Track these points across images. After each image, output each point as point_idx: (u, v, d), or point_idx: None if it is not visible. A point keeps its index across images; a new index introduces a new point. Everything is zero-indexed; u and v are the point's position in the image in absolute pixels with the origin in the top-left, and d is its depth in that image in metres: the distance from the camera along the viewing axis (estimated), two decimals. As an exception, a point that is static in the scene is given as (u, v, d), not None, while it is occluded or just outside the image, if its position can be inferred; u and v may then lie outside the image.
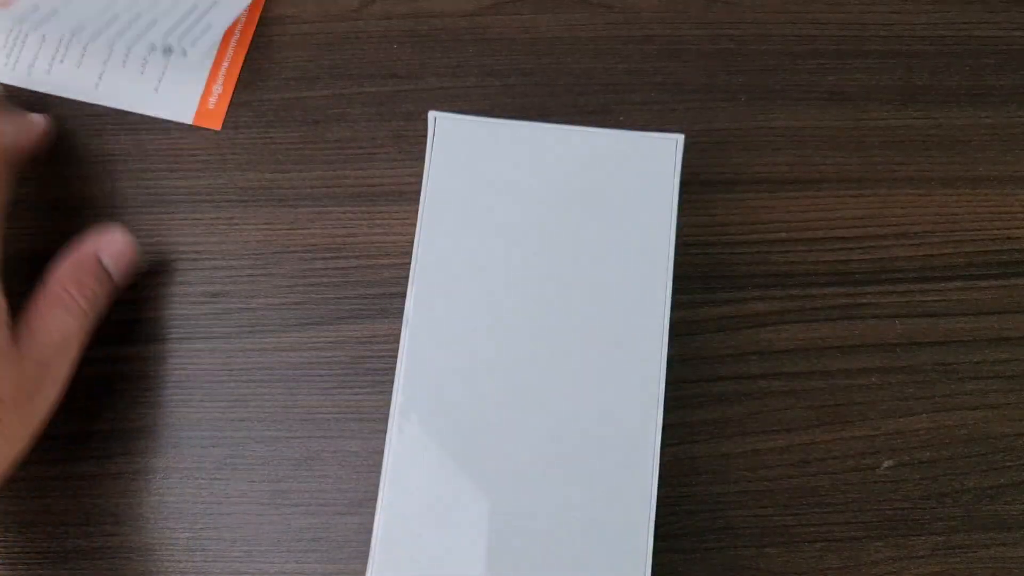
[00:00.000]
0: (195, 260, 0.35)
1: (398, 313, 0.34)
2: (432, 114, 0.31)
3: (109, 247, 0.33)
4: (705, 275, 0.35)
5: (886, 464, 0.34)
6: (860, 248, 0.36)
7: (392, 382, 0.34)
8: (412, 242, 0.36)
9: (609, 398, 0.29)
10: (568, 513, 0.28)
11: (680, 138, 0.31)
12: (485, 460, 0.28)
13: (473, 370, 0.29)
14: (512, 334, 0.29)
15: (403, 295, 0.35)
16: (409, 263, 0.35)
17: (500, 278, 0.29)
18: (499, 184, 0.30)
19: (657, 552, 0.32)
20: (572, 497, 0.28)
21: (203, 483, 0.33)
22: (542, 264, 0.30)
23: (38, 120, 0.35)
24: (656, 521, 0.33)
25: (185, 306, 0.35)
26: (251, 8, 0.38)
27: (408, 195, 0.36)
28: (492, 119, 0.31)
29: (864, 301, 0.35)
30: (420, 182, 0.36)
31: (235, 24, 0.37)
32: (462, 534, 0.28)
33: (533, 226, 0.30)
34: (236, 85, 0.37)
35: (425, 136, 0.37)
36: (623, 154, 0.31)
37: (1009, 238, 0.36)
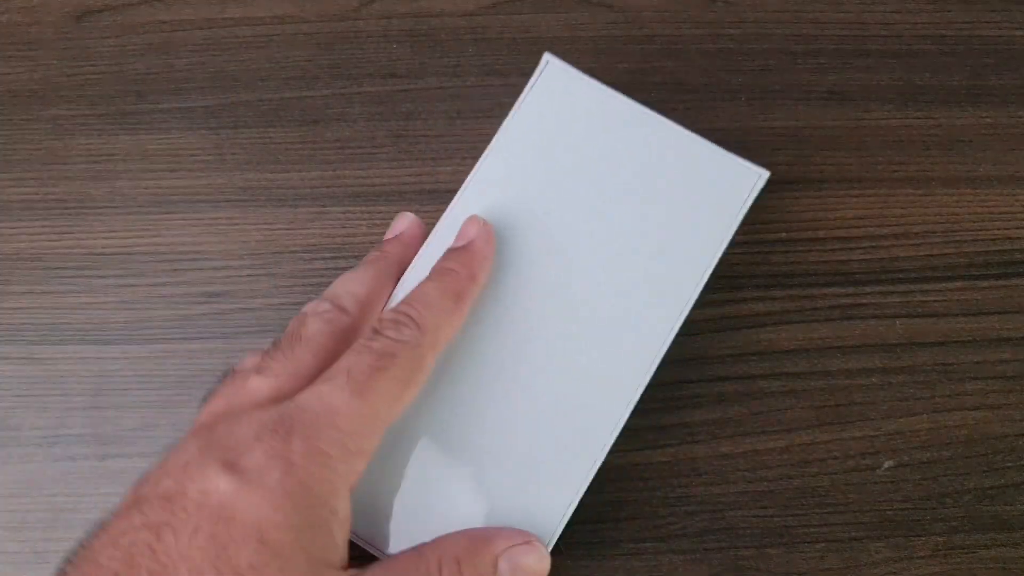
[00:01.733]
0: (195, 260, 0.35)
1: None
2: (547, 56, 0.31)
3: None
4: (705, 275, 0.35)
5: (886, 464, 0.33)
6: (860, 248, 0.36)
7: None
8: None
9: (606, 356, 0.29)
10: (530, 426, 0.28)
11: (765, 174, 0.31)
12: (471, 375, 0.29)
13: (486, 296, 0.29)
14: (533, 277, 0.30)
15: (403, 295, 0.35)
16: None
17: (542, 226, 0.30)
18: (579, 146, 0.31)
19: (657, 552, 0.32)
20: (538, 411, 0.28)
21: (203, 483, 0.33)
22: (583, 232, 0.30)
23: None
24: (656, 522, 0.33)
25: (184, 306, 0.35)
26: None
27: (408, 195, 0.36)
28: (601, 84, 0.31)
29: (864, 301, 0.35)
30: (420, 181, 0.36)
31: None
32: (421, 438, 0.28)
33: (591, 198, 0.30)
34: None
35: (424, 136, 0.37)
36: (705, 166, 0.31)
37: (1010, 238, 0.36)
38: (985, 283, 0.35)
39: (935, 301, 0.35)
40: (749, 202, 0.30)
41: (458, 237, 0.29)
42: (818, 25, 0.38)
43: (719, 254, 0.30)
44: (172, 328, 0.35)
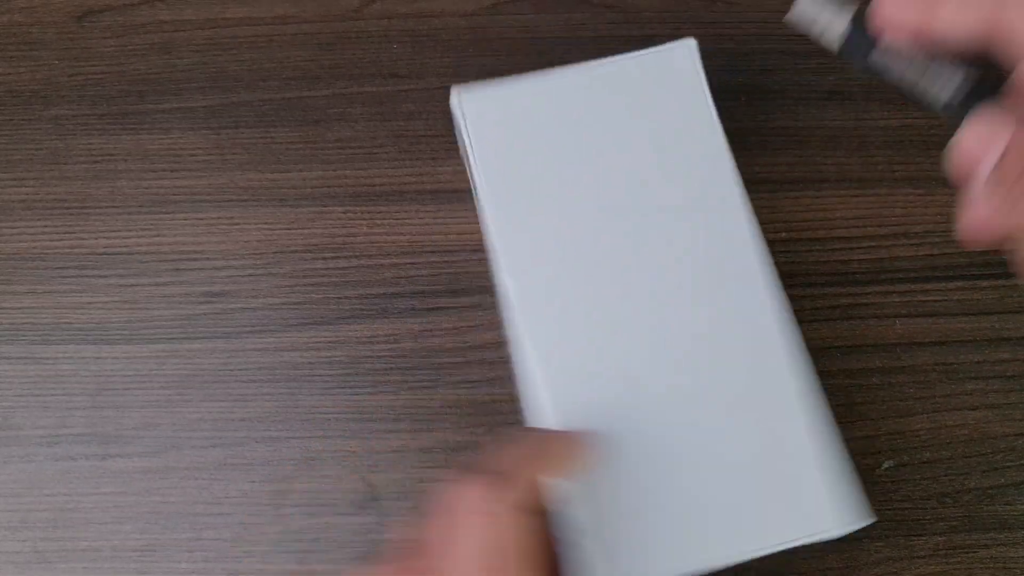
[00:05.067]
0: (195, 260, 0.35)
1: (398, 313, 0.35)
2: (455, 90, 0.30)
3: None
4: (705, 275, 0.35)
5: (886, 464, 0.33)
6: (861, 248, 0.36)
7: (393, 381, 0.34)
8: (411, 242, 0.36)
9: (727, 320, 0.29)
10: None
11: (692, 42, 0.31)
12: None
13: (594, 329, 0.29)
14: (614, 283, 0.29)
15: (403, 295, 0.35)
16: (408, 262, 0.35)
17: (580, 231, 0.29)
18: (545, 140, 0.30)
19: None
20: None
21: (203, 483, 0.33)
22: (614, 204, 0.29)
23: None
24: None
25: (185, 306, 0.35)
26: None
27: (409, 195, 0.36)
28: (512, 80, 0.31)
29: (865, 301, 0.35)
30: (421, 181, 0.36)
31: None
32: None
33: (591, 170, 0.30)
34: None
35: (425, 136, 0.37)
36: (646, 76, 0.31)
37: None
38: (985, 283, 0.35)
39: (935, 301, 0.35)
40: (701, 72, 0.31)
41: None
42: (818, 25, 0.38)
43: (723, 136, 0.30)
44: (173, 328, 0.35)
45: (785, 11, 0.39)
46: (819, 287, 0.35)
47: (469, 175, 0.34)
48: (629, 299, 0.29)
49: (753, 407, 0.28)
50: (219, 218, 0.36)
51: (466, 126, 0.30)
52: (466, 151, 0.31)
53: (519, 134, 0.30)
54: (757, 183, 0.36)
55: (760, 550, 0.27)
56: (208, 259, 0.35)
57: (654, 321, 0.29)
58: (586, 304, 0.29)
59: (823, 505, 0.27)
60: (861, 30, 0.24)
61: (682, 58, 0.31)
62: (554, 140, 0.30)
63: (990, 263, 0.36)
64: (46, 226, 0.36)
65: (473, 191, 0.34)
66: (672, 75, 0.31)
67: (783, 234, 0.36)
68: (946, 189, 0.36)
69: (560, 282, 0.29)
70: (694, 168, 0.30)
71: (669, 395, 0.28)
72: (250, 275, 0.35)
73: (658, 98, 0.30)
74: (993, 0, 0.22)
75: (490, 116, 0.30)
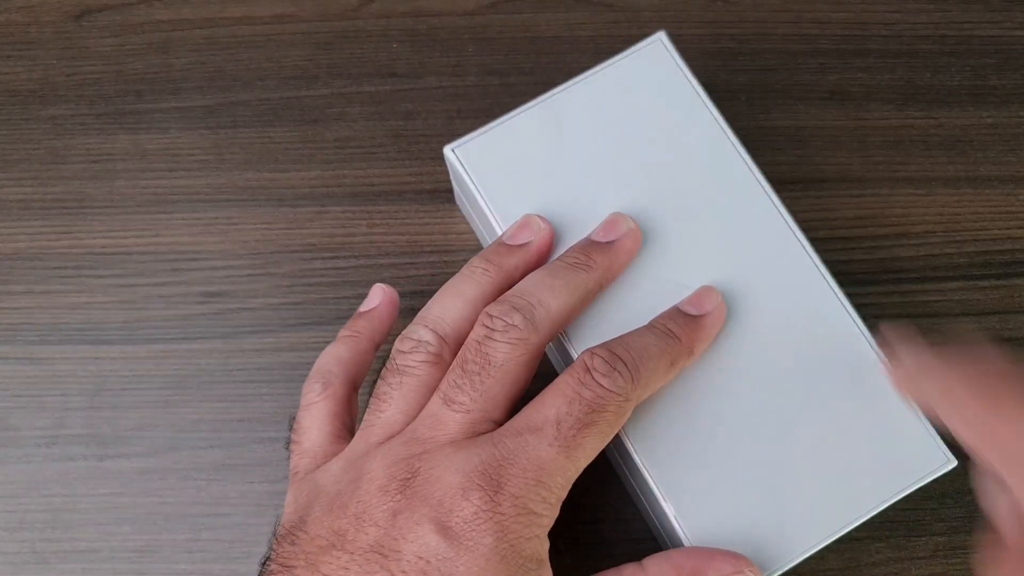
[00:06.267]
0: (194, 260, 0.35)
1: (398, 313, 0.34)
2: (448, 148, 0.30)
3: None
4: (705, 275, 0.35)
5: (887, 465, 0.33)
6: (861, 248, 0.35)
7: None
8: (410, 242, 0.36)
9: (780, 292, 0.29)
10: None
11: (662, 34, 0.31)
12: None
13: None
14: (653, 280, 0.29)
15: (402, 295, 0.35)
16: (407, 262, 0.35)
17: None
18: (550, 169, 0.30)
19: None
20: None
21: (201, 484, 0.33)
22: (634, 209, 0.29)
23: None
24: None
25: (183, 306, 0.35)
26: None
27: (407, 195, 0.36)
28: (497, 121, 0.30)
29: (865, 301, 0.35)
30: (419, 180, 0.36)
31: None
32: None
33: (602, 185, 0.30)
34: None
35: (424, 135, 0.37)
36: (628, 77, 0.30)
37: (1011, 238, 0.36)
38: (986, 283, 0.35)
39: (936, 301, 0.35)
40: (681, 61, 0.30)
41: (692, 301, 0.28)
42: (818, 25, 0.38)
43: (722, 119, 0.30)
44: (171, 328, 0.35)
45: (784, 11, 0.39)
46: (819, 287, 0.35)
47: (474, 227, 0.34)
48: (669, 295, 0.28)
49: (826, 375, 0.28)
50: (217, 218, 0.36)
51: (470, 178, 0.30)
52: (471, 204, 0.31)
53: (522, 172, 0.30)
54: (757, 183, 0.36)
55: (869, 512, 0.27)
56: (206, 259, 0.35)
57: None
58: (629, 307, 0.28)
59: (915, 453, 0.28)
60: None
61: (657, 52, 0.31)
62: (559, 167, 0.30)
63: (991, 263, 0.35)
64: (44, 226, 0.36)
65: (482, 240, 0.34)
66: (652, 71, 0.31)
67: (783, 234, 0.35)
68: (947, 189, 0.36)
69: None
70: (701, 154, 0.30)
71: (740, 382, 0.28)
72: (248, 275, 0.35)
73: (646, 97, 0.30)
74: None
75: (490, 162, 0.30)
